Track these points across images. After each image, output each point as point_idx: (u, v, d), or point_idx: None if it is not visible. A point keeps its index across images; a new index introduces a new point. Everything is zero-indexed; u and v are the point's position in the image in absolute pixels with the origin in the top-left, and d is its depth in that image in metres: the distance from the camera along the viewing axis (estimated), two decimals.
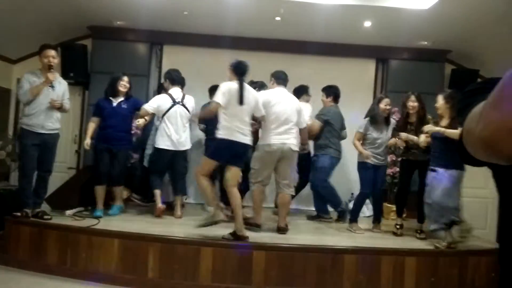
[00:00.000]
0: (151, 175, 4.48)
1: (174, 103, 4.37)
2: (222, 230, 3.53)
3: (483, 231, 5.64)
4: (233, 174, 3.55)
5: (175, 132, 4.31)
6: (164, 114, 4.34)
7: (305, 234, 4.03)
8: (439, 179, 3.60)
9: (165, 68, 5.62)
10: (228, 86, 3.48)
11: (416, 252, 3.46)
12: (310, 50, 5.57)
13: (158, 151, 4.36)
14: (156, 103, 4.37)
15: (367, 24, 4.81)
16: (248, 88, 3.61)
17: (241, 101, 3.45)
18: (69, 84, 5.60)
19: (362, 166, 4.15)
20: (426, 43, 5.36)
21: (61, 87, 4.05)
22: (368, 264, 3.36)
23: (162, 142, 4.30)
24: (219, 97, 3.44)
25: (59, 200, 4.37)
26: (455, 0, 4.10)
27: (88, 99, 5.63)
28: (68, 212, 4.18)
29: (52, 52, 3.92)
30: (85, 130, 5.54)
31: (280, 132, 3.80)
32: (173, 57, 5.67)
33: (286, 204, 3.95)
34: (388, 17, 4.54)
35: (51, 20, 5.11)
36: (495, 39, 4.97)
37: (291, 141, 3.83)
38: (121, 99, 4.35)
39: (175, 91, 4.47)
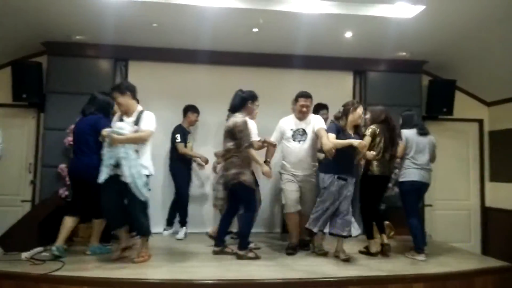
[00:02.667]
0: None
1: None
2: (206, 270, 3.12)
3: (467, 244, 5.57)
4: None
5: None
6: None
7: (298, 263, 3.66)
8: None
9: None
10: None
11: (423, 277, 3.19)
12: (286, 63, 5.34)
13: None
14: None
15: (348, 34, 4.61)
16: None
17: None
18: (22, 106, 5.11)
19: None
20: (404, 54, 5.26)
21: None
22: None
23: None
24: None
25: (13, 240, 3.78)
26: (439, 10, 3.97)
27: (44, 122, 5.03)
28: (25, 254, 3.59)
29: None
30: (41, 157, 4.99)
31: None
32: (140, 74, 5.19)
33: None
34: (371, 27, 4.36)
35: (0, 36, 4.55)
36: (471, 49, 4.95)
37: None
38: None
39: None
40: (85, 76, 5.00)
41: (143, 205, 3.50)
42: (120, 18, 4.22)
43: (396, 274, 3.21)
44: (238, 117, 3.81)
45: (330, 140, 3.71)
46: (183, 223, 4.84)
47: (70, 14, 4.20)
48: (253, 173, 4.03)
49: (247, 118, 3.90)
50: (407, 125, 4.22)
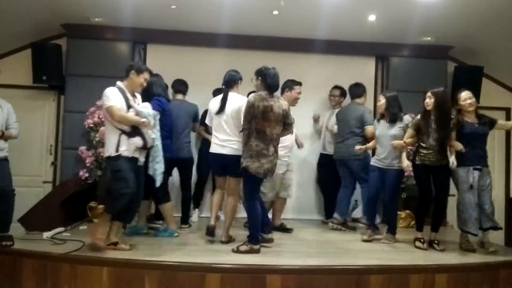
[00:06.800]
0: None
1: None
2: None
3: (491, 235, 5.38)
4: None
5: None
6: None
7: (316, 251, 3.64)
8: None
9: None
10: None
11: (446, 268, 3.11)
12: (306, 48, 5.21)
13: None
14: None
15: (372, 18, 4.46)
16: (231, 98, 3.73)
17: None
18: (43, 88, 5.14)
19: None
20: (429, 38, 5.07)
21: (3, 113, 3.56)
22: (396, 284, 2.98)
23: None
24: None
25: (34, 220, 3.84)
26: None
27: (64, 104, 5.06)
28: (46, 234, 3.65)
29: None
30: (61, 139, 5.04)
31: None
32: (158, 57, 5.16)
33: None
34: (395, 9, 4.21)
35: (20, 18, 4.56)
36: (500, 34, 4.74)
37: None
38: None
39: None
40: (103, 59, 4.99)
41: None
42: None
43: (418, 264, 3.14)
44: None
45: None
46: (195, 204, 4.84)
47: None
48: None
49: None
50: None
